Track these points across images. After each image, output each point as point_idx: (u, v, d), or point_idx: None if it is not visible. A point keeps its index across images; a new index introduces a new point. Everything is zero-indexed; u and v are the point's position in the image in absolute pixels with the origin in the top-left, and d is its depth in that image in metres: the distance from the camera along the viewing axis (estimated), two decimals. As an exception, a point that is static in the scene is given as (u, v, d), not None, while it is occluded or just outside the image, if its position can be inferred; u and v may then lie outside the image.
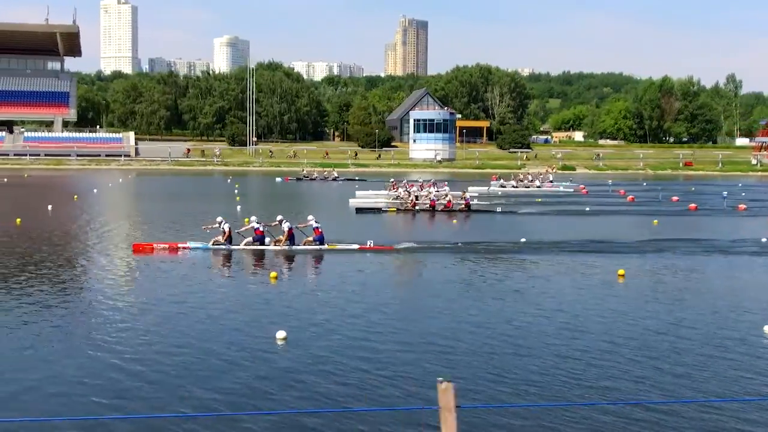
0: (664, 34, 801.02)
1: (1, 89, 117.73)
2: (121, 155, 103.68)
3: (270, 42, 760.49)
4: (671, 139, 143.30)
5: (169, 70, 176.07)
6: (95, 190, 55.98)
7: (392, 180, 54.15)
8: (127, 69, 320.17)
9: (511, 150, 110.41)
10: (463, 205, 41.02)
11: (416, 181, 52.01)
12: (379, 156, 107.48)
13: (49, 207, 38.32)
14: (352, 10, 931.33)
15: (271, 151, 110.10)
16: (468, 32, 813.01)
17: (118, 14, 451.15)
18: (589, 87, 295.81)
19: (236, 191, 53.23)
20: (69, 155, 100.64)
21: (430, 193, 43.90)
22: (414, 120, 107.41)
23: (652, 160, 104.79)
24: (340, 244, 25.91)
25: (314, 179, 72.76)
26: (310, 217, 26.63)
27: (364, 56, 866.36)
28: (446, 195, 42.71)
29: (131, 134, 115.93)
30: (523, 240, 27.27)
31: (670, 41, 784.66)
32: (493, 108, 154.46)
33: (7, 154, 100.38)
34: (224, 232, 25.03)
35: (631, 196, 53.52)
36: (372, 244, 25.87)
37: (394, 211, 40.87)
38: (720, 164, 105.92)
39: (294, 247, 25.38)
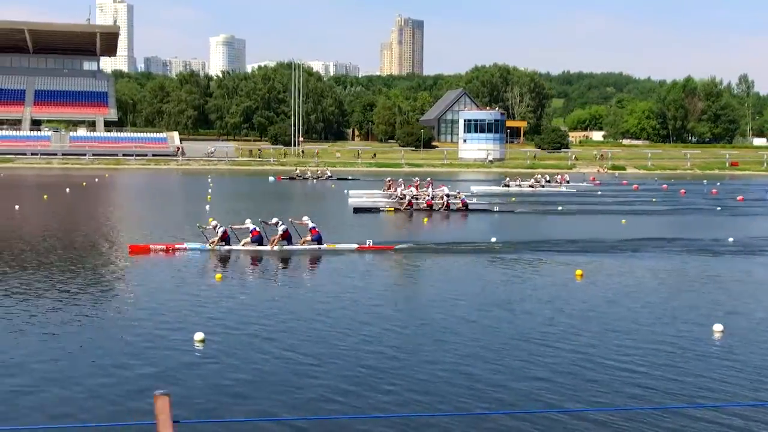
0: (656, 33, 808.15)
1: (42, 89, 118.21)
2: (168, 155, 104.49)
3: (266, 41, 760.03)
4: (694, 139, 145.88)
5: (191, 71, 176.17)
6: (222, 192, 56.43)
7: (388, 179, 54.39)
8: (123, 68, 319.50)
9: (550, 150, 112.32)
10: (459, 205, 41.31)
11: (413, 180, 52.19)
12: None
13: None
14: (348, 9, 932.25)
15: (317, 151, 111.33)
16: (464, 32, 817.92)
17: (114, 13, 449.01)
18: (589, 87, 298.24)
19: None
20: (116, 155, 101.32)
21: (425, 193, 44.06)
22: (464, 120, 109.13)
23: (699, 160, 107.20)
24: (338, 243, 25.67)
25: (307, 179, 72.69)
26: (305, 218, 26.41)
27: (359, 55, 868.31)
28: (443, 195, 42.62)
29: (175, 134, 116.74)
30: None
31: (663, 41, 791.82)
32: (513, 108, 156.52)
33: (56, 154, 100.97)
34: (219, 234, 24.83)
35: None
36: (371, 244, 25.64)
37: (392, 210, 40.98)
38: (765, 164, 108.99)
39: (291, 247, 25.04)
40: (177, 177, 78.02)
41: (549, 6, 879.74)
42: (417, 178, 53.99)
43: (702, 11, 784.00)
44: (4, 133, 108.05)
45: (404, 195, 43.02)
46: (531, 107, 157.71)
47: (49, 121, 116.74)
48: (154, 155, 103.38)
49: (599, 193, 60.39)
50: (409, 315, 16.06)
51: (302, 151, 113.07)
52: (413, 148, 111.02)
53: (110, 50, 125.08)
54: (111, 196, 53.69)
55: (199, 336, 13.49)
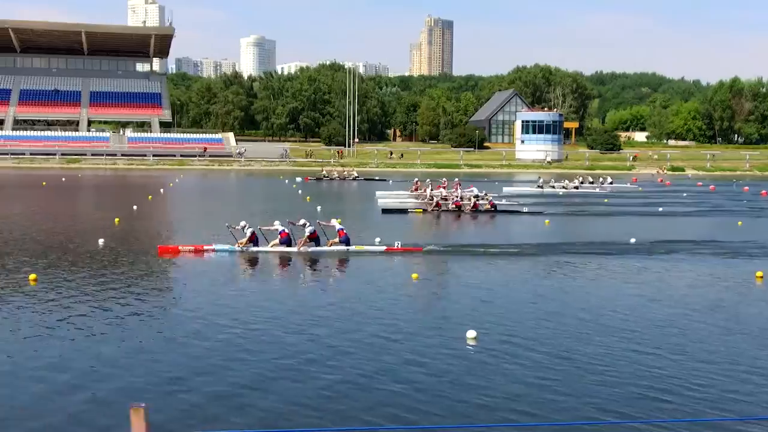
0: (685, 33, 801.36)
1: (98, 90, 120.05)
2: (226, 155, 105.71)
3: (295, 42, 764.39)
4: (741, 140, 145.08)
5: (235, 72, 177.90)
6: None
7: (416, 180, 54.55)
8: (155, 68, 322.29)
9: (602, 151, 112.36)
10: (488, 206, 41.35)
11: (441, 181, 52.20)
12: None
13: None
14: (377, 9, 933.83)
15: (377, 151, 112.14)
16: (493, 32, 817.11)
17: (145, 14, 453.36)
18: (623, 87, 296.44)
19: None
20: (174, 155, 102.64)
21: (451, 193, 44.09)
22: (522, 121, 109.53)
23: (759, 161, 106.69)
24: (366, 245, 25.63)
25: (334, 179, 72.93)
26: (333, 220, 26.50)
27: (388, 56, 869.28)
28: (471, 196, 42.73)
29: (230, 135, 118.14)
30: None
31: (692, 41, 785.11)
32: (556, 108, 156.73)
33: (115, 154, 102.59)
34: (247, 236, 24.94)
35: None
36: (399, 246, 25.58)
37: (420, 211, 41.04)
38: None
39: (319, 249, 25.07)
40: (250, 179, 78.72)
41: (576, 5, 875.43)
42: (444, 179, 54.09)
43: (732, 12, 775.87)
44: (65, 133, 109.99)
45: (432, 196, 43.21)
46: (573, 108, 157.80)
47: (104, 122, 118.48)
48: (211, 156, 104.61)
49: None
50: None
51: (377, 151, 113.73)
52: (467, 149, 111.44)
53: (163, 52, 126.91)
54: (215, 196, 53.78)
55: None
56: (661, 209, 45.17)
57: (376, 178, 74.65)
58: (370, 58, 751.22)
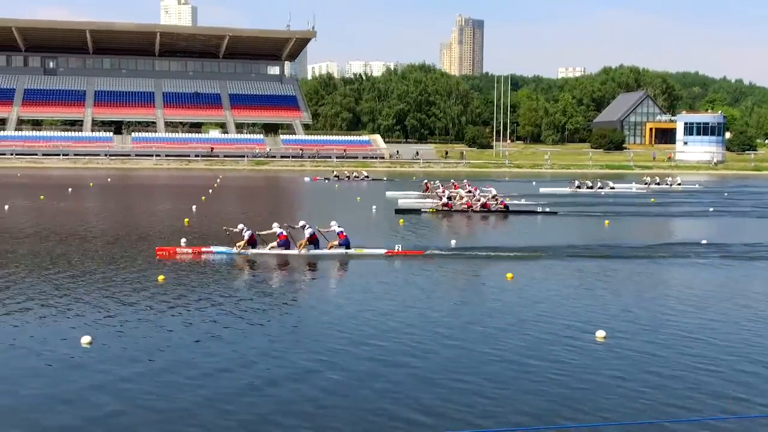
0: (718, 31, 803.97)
1: (236, 93, 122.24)
2: (374, 157, 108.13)
3: (326, 41, 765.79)
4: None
5: (342, 75, 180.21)
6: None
7: (425, 181, 55.80)
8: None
9: (738, 152, 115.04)
10: (500, 207, 41.48)
11: (452, 182, 52.40)
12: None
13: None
14: (408, 9, 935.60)
15: (506, 152, 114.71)
16: (523, 32, 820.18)
17: (178, 15, 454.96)
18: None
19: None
20: (329, 157, 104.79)
21: (459, 194, 44.56)
22: (685, 123, 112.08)
23: None
24: (366, 248, 25.39)
25: (343, 179, 73.88)
26: (332, 222, 26.18)
27: (418, 56, 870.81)
28: (480, 197, 43.22)
29: (378, 137, 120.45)
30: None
31: (722, 38, 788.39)
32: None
33: (275, 157, 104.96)
34: (246, 238, 24.87)
35: None
36: (400, 249, 25.29)
37: (433, 211, 41.12)
38: None
39: (318, 252, 24.92)
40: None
41: (607, 4, 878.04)
42: (453, 180, 54.61)
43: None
44: (217, 135, 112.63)
45: (441, 197, 43.78)
46: (664, 108, 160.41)
47: (252, 125, 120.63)
48: (363, 158, 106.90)
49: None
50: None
51: (507, 152, 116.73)
52: (603, 150, 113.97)
53: (294, 55, 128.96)
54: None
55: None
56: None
57: (384, 178, 76.24)
58: (400, 57, 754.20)
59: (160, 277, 20.85)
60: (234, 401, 11.39)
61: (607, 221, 38.28)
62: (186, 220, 33.93)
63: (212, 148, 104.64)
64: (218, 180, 66.11)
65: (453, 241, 27.93)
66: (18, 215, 37.90)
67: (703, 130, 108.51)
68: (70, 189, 55.63)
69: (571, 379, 12.59)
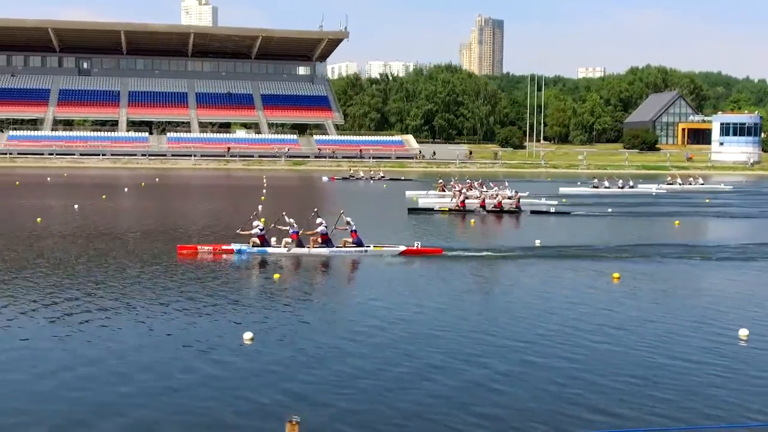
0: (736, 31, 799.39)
1: (268, 93, 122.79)
2: (408, 157, 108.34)
3: (346, 42, 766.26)
4: None
5: (369, 76, 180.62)
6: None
7: (440, 180, 55.92)
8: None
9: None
10: (513, 206, 41.74)
11: (466, 181, 52.68)
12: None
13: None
14: (427, 8, 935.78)
15: (541, 152, 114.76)
16: (543, 32, 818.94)
17: (198, 15, 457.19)
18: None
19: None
20: (361, 157, 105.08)
21: (474, 194, 44.72)
22: (721, 123, 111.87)
23: None
24: (384, 246, 25.33)
25: (360, 179, 74.03)
26: (347, 219, 26.25)
27: (438, 56, 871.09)
28: (493, 196, 43.51)
29: (410, 137, 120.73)
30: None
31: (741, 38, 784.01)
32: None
33: (308, 156, 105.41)
34: (256, 236, 25.13)
35: None
36: (419, 246, 25.22)
37: (446, 210, 41.30)
38: None
39: (332, 250, 24.89)
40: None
41: (626, 4, 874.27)
42: (468, 180, 54.84)
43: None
44: (249, 135, 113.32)
45: (456, 195, 43.99)
46: (692, 108, 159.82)
47: (281, 125, 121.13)
48: (397, 158, 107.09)
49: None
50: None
51: (542, 152, 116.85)
52: (637, 151, 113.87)
53: (325, 56, 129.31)
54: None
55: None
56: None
57: (402, 177, 76.61)
58: (420, 57, 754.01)
59: (276, 276, 21.36)
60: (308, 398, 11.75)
61: (677, 221, 38.50)
62: (263, 219, 34.32)
63: (229, 148, 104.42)
64: (264, 180, 66.54)
65: (537, 241, 28.10)
66: (91, 215, 38.41)
67: (740, 130, 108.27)
68: (126, 189, 56.19)
69: (718, 379, 12.76)
